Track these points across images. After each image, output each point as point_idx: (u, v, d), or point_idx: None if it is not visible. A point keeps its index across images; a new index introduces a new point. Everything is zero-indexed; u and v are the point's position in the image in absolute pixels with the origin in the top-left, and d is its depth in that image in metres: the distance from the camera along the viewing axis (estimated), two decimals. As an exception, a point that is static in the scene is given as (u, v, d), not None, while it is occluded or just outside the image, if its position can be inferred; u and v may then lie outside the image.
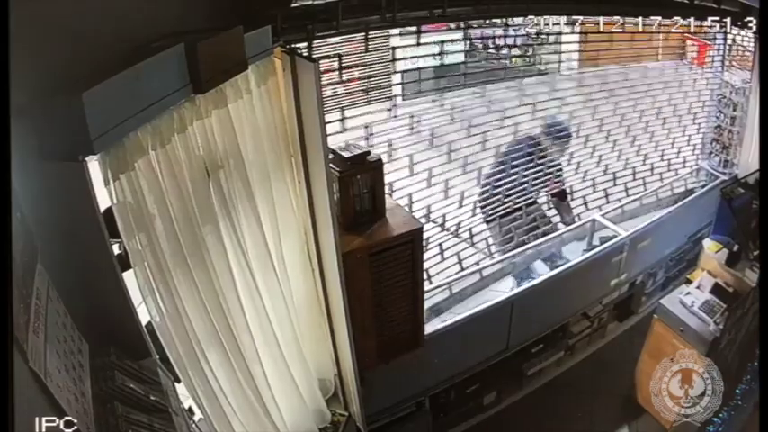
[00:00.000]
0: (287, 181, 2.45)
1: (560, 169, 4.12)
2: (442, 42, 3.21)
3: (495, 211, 3.83)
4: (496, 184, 3.76)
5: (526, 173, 3.85)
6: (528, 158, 3.82)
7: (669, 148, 4.60)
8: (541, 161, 3.92)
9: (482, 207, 3.81)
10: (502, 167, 3.77)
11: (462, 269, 3.71)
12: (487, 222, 3.87)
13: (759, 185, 3.70)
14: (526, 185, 3.89)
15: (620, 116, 4.17)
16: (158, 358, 1.88)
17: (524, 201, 3.96)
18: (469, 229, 3.72)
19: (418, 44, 3.06)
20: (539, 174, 3.97)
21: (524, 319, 3.69)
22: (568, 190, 4.22)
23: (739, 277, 3.77)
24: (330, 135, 2.61)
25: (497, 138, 3.61)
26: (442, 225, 3.58)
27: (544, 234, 4.05)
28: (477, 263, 3.76)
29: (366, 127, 2.98)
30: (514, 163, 3.76)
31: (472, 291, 3.70)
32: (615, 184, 4.37)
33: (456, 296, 3.63)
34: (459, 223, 3.67)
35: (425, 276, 3.33)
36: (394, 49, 2.99)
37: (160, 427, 1.65)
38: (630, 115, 4.23)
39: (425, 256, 3.38)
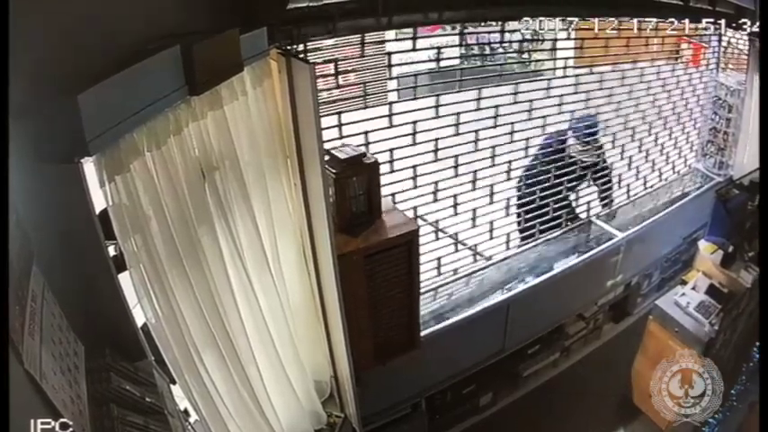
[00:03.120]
0: (283, 182, 2.45)
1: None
2: (439, 48, 3.20)
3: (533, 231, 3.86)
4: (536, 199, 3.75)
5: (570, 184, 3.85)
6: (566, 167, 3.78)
7: (664, 151, 4.61)
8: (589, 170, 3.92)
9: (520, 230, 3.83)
10: (537, 176, 3.74)
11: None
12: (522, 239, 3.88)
13: (759, 187, 3.71)
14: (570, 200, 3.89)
15: (620, 119, 4.18)
16: (154, 360, 1.88)
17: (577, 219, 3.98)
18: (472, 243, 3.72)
19: (414, 49, 3.05)
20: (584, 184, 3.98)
21: (520, 320, 3.70)
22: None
23: (734, 278, 3.78)
24: (327, 141, 2.61)
25: (493, 139, 3.60)
26: (457, 240, 3.56)
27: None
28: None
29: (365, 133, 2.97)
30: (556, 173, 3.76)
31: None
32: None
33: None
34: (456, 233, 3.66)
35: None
36: (390, 54, 2.98)
37: (156, 428, 1.65)
38: (629, 116, 4.23)
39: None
